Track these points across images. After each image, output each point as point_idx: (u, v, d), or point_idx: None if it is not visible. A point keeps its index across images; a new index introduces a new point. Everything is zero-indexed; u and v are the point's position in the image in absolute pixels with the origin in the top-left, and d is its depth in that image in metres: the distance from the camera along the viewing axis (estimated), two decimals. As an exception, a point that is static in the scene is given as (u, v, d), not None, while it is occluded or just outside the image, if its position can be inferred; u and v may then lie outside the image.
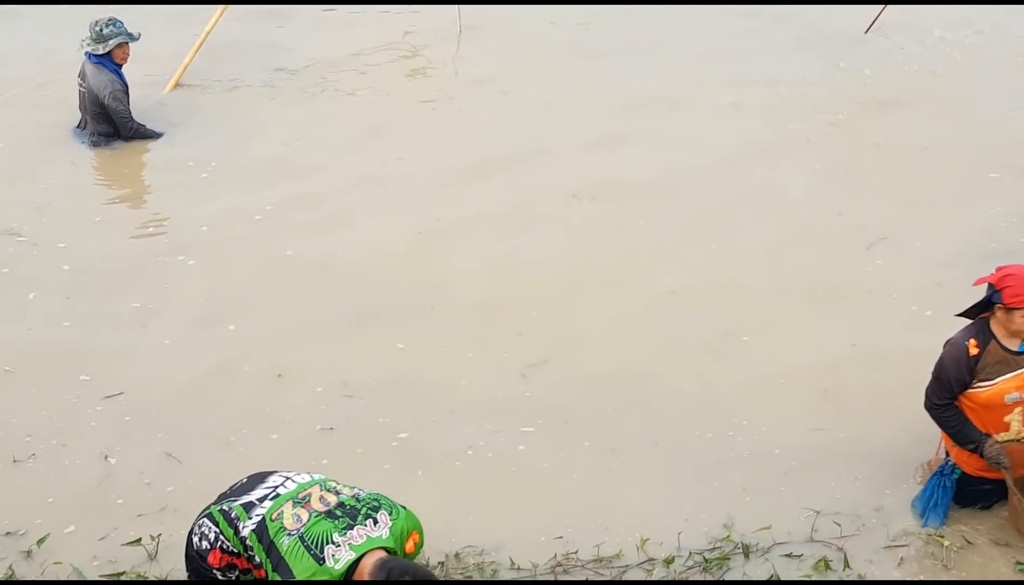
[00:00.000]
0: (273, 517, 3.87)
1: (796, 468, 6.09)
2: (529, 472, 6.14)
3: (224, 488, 4.23)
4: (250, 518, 3.91)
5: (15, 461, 6.24)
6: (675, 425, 6.43)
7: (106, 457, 6.28)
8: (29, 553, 5.61)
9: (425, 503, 5.49)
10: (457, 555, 5.54)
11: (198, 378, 6.91)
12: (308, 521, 3.83)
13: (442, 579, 3.93)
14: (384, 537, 3.86)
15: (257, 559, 3.85)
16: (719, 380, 6.77)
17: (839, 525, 5.68)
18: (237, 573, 3.98)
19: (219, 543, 3.95)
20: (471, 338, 7.19)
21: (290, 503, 3.92)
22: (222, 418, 6.58)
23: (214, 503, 4.10)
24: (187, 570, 4.18)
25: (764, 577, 5.38)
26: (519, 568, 5.49)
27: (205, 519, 4.03)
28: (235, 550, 3.92)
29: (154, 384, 6.85)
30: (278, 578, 3.75)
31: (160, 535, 5.60)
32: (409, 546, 3.96)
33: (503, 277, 7.83)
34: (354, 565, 3.77)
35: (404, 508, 4.02)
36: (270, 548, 3.81)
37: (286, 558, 3.75)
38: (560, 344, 7.11)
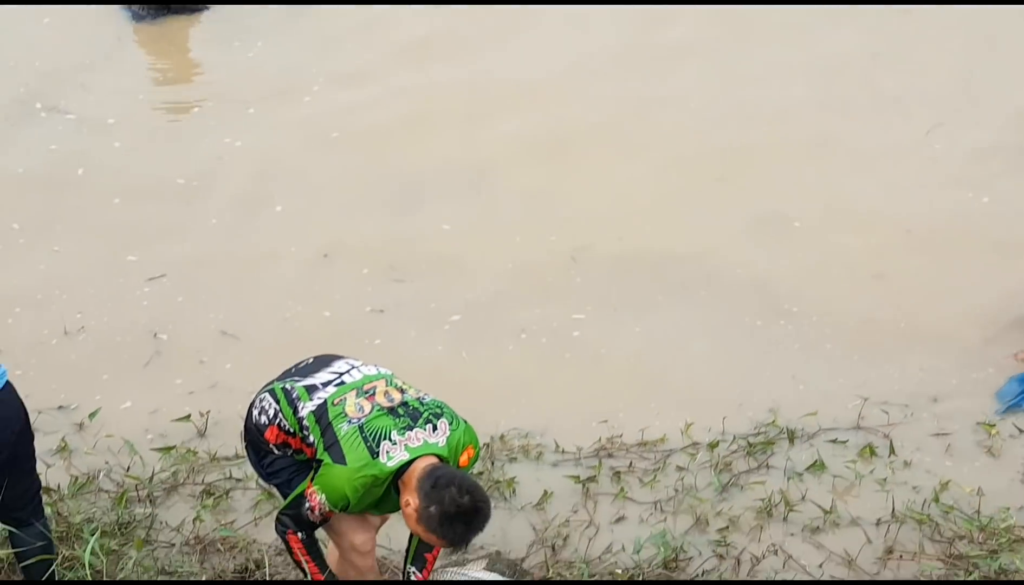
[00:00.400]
0: (335, 402, 3.86)
1: (845, 355, 6.05)
2: (579, 358, 6.14)
3: (279, 366, 4.23)
4: (311, 400, 3.90)
5: (66, 333, 6.32)
6: (724, 312, 6.39)
7: (155, 334, 6.34)
8: (81, 426, 5.70)
9: (474, 385, 5.57)
10: (502, 437, 5.58)
11: (246, 258, 6.92)
12: (370, 413, 3.82)
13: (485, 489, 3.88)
14: (440, 445, 3.84)
15: (311, 438, 3.86)
16: (768, 266, 6.70)
17: (886, 413, 5.66)
18: (291, 451, 4.00)
19: (277, 420, 3.96)
20: (518, 222, 7.13)
21: (354, 392, 3.90)
22: (273, 297, 6.61)
23: (277, 379, 4.10)
24: (244, 441, 4.22)
25: (808, 462, 5.37)
26: (563, 451, 5.52)
27: (267, 394, 4.03)
28: (291, 430, 3.93)
29: (202, 264, 6.87)
30: (328, 458, 3.76)
31: (209, 411, 5.67)
32: (463, 459, 3.94)
33: (550, 161, 7.74)
34: (405, 466, 3.78)
35: (465, 421, 4.00)
36: (327, 429, 3.81)
37: (341, 443, 3.75)
38: (608, 229, 7.03)
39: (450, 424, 3.90)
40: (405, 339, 6.26)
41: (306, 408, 3.89)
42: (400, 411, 3.85)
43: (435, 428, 3.85)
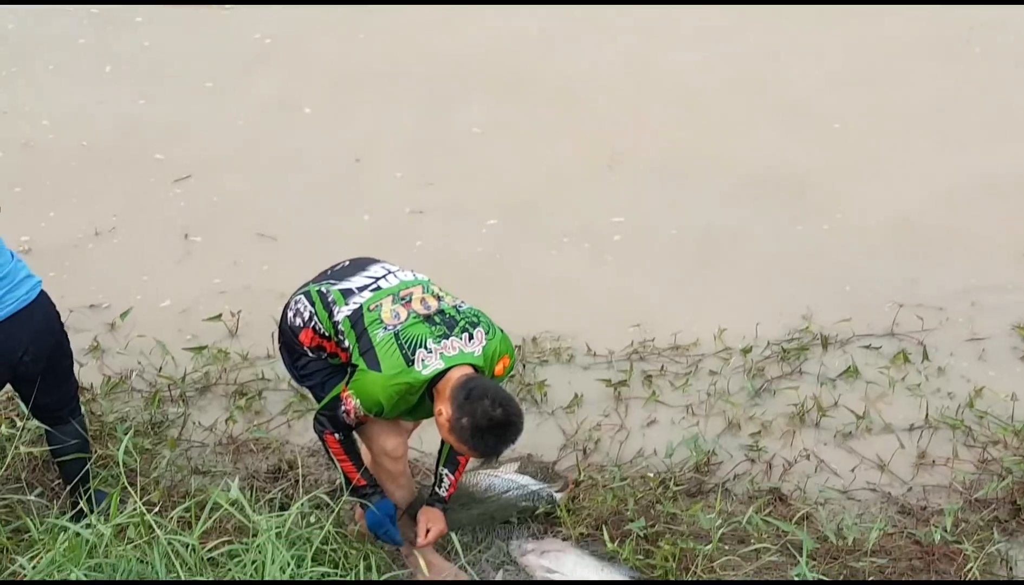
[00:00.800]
0: (371, 308, 3.82)
1: (883, 261, 5.99)
2: (616, 262, 6.11)
3: (315, 268, 4.19)
4: (347, 305, 3.85)
5: (96, 233, 6.31)
6: (764, 217, 6.34)
7: (187, 235, 6.32)
8: (113, 326, 5.72)
9: (510, 288, 5.53)
10: (535, 339, 5.56)
11: (276, 160, 6.89)
12: (406, 320, 3.78)
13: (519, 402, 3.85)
14: (476, 354, 3.80)
15: (346, 343, 3.83)
16: (808, 168, 6.63)
17: (921, 319, 5.60)
18: (325, 354, 3.98)
19: (312, 323, 3.92)
20: (551, 126, 7.06)
21: (390, 298, 3.85)
22: (307, 199, 6.59)
23: (312, 281, 4.06)
24: (278, 343, 4.19)
25: (841, 368, 5.34)
26: (595, 354, 5.50)
27: (302, 296, 3.99)
28: (326, 333, 3.90)
29: (231, 165, 6.85)
30: (363, 364, 3.74)
31: (240, 312, 5.67)
32: (498, 368, 3.90)
33: (583, 66, 7.63)
34: (440, 375, 3.77)
35: (501, 330, 3.95)
36: (362, 335, 3.77)
37: (376, 350, 3.72)
38: (644, 135, 6.96)
39: (486, 333, 3.86)
40: (445, 242, 6.22)
41: (341, 313, 3.85)
42: (436, 319, 3.81)
43: (471, 337, 3.81)
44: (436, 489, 4.11)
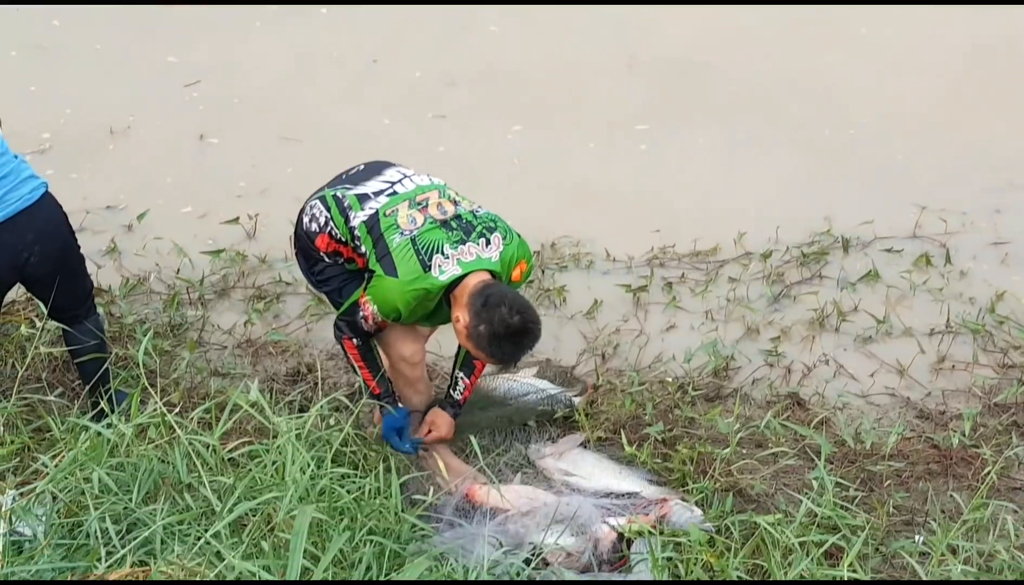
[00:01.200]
0: (387, 212, 3.78)
1: (907, 163, 5.93)
2: (638, 167, 6.06)
3: (334, 172, 4.15)
4: (363, 210, 3.81)
5: (112, 132, 6.28)
6: (792, 122, 6.30)
7: (201, 137, 6.28)
8: (130, 227, 5.70)
9: (530, 194, 5.48)
10: (553, 244, 5.53)
11: (292, 61, 6.81)
12: (423, 226, 3.74)
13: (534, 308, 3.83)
14: (493, 260, 3.77)
15: (363, 248, 3.80)
16: (837, 75, 6.52)
17: (945, 221, 5.56)
18: (342, 260, 3.96)
19: (328, 228, 3.89)
20: (568, 26, 6.94)
21: (407, 203, 3.81)
22: (324, 102, 6.53)
23: (327, 186, 4.02)
24: (294, 248, 4.16)
25: (862, 272, 5.31)
26: (614, 260, 5.47)
27: (317, 201, 3.95)
28: (343, 238, 3.87)
29: (246, 67, 6.78)
30: (379, 269, 3.72)
31: (258, 214, 5.65)
32: (515, 274, 3.87)
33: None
34: (457, 281, 3.74)
35: (518, 235, 3.92)
36: (378, 240, 3.74)
37: (393, 255, 3.69)
38: (666, 40, 6.85)
39: (503, 238, 3.83)
40: (469, 147, 6.16)
41: (358, 218, 3.82)
42: (453, 224, 3.77)
43: (488, 243, 3.78)
44: (451, 392, 4.12)
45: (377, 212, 3.80)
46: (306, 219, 3.97)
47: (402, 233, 3.72)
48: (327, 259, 3.98)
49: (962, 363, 4.85)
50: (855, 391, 4.72)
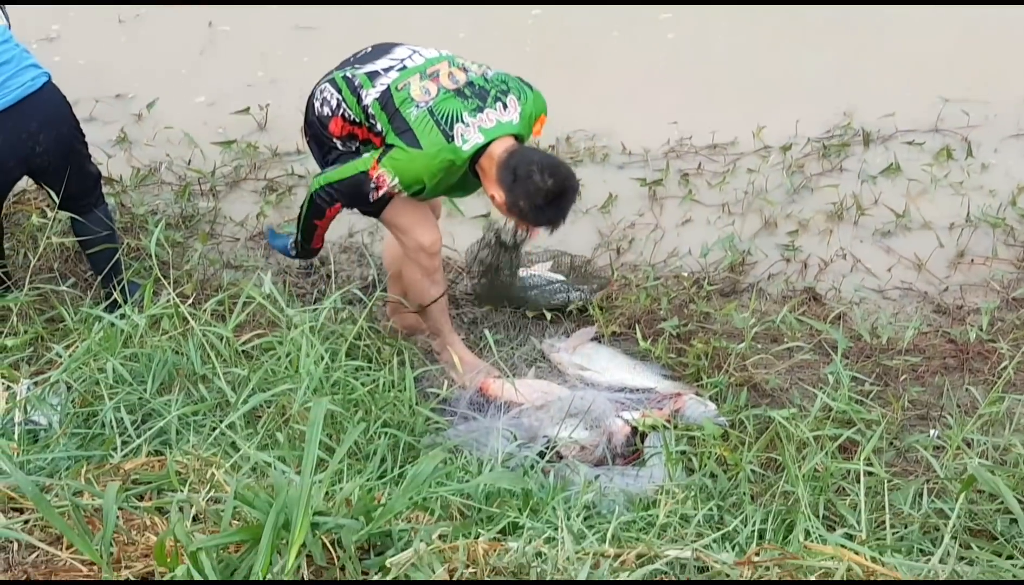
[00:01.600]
0: (399, 87, 3.71)
1: (929, 56, 5.79)
2: (656, 58, 5.96)
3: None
4: (374, 86, 3.74)
5: (120, 21, 6.18)
6: (816, 14, 6.14)
7: (210, 23, 6.18)
8: (139, 117, 5.65)
9: (547, 84, 5.38)
10: (568, 138, 5.46)
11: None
12: (437, 96, 3.67)
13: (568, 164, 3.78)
14: (515, 123, 3.72)
15: (379, 127, 3.74)
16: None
17: (967, 114, 5.45)
18: (357, 144, 3.89)
19: (341, 110, 3.81)
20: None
21: (417, 76, 3.74)
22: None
23: (336, 68, 3.94)
24: (306, 137, 4.07)
25: (883, 165, 5.23)
26: (630, 153, 5.40)
27: (327, 84, 3.86)
28: (356, 119, 3.80)
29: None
30: (400, 143, 3.65)
31: (269, 105, 5.58)
32: (536, 129, 3.84)
33: None
34: (481, 150, 3.70)
35: (531, 88, 3.85)
36: (394, 115, 3.67)
37: (414, 128, 3.63)
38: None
39: (519, 98, 3.78)
40: (489, 33, 6.04)
41: (370, 96, 3.75)
42: (467, 92, 3.71)
43: (505, 106, 3.73)
44: None
45: (389, 87, 3.73)
46: (317, 104, 3.88)
47: (418, 106, 3.66)
48: (340, 146, 3.90)
49: (981, 257, 4.80)
50: (872, 286, 4.67)
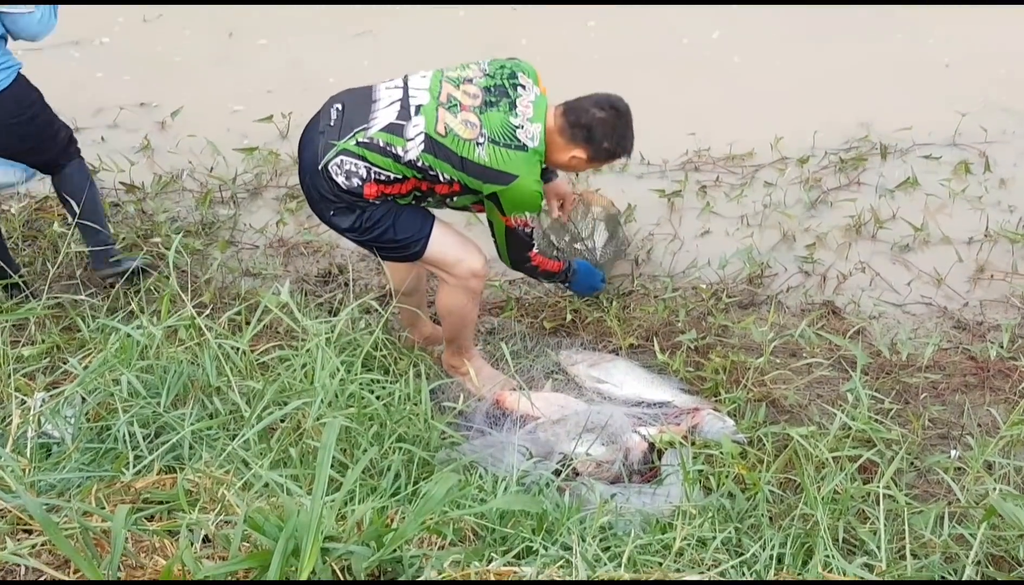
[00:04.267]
0: (440, 131, 3.64)
1: (949, 68, 5.76)
2: (675, 68, 5.95)
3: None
4: (408, 140, 3.65)
5: (144, 20, 6.20)
6: (828, 21, 6.11)
7: (231, 34, 6.20)
8: (163, 125, 5.67)
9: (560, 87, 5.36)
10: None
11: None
12: (481, 123, 3.65)
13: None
14: (540, 94, 3.80)
15: (445, 176, 3.68)
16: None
17: (985, 130, 5.41)
18: (392, 197, 3.81)
19: (373, 175, 3.70)
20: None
21: (442, 111, 3.68)
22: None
23: (322, 147, 3.71)
24: (330, 213, 3.81)
25: (900, 179, 5.20)
26: (649, 163, 5.39)
27: (342, 158, 3.67)
28: (399, 176, 3.69)
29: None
30: (499, 188, 3.64)
31: (291, 113, 5.58)
32: (543, 86, 3.89)
33: None
34: (544, 134, 3.75)
35: (514, 60, 3.87)
36: (466, 164, 3.62)
37: (495, 167, 3.61)
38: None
39: (523, 73, 3.82)
40: (548, 40, 6.08)
41: (411, 151, 3.64)
42: (492, 99, 3.71)
43: (523, 87, 3.78)
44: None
45: (427, 135, 3.66)
46: (340, 179, 3.71)
47: (478, 143, 3.63)
48: (379, 202, 3.82)
49: (1001, 272, 4.76)
50: (891, 300, 4.64)
